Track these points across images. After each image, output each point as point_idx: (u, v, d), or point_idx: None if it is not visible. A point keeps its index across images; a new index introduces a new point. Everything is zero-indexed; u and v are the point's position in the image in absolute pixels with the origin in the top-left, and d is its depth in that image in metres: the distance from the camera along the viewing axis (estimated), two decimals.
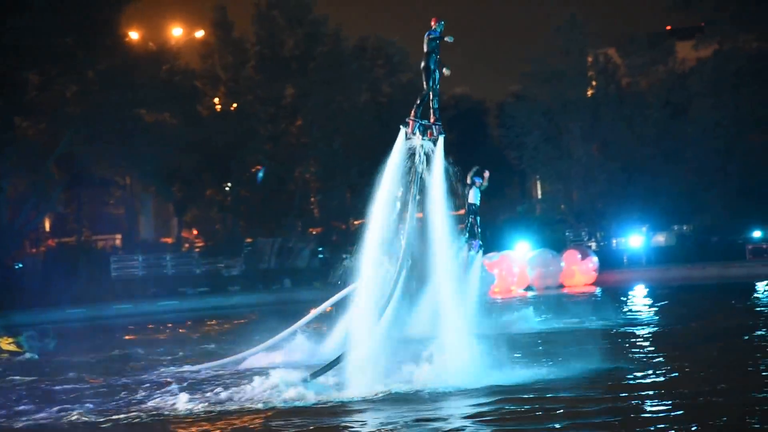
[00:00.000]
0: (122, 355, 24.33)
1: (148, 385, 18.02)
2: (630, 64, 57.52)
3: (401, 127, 16.75)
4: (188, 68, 55.51)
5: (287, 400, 15.08)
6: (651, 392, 14.53)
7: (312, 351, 20.95)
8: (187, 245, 61.56)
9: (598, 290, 42.77)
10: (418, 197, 16.55)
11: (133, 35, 54.37)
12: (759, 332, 21.80)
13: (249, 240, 57.18)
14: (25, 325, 32.91)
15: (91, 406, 15.74)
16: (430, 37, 16.70)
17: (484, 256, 26.95)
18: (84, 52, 48.39)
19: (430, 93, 16.71)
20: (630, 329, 24.16)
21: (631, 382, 15.52)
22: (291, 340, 21.44)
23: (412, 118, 16.72)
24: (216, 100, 57.60)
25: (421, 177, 16.50)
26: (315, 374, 15.94)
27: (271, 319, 32.44)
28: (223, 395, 15.79)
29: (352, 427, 13.24)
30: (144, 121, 52.88)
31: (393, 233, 16.64)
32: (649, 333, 23.34)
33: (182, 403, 15.35)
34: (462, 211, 24.09)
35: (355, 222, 58.20)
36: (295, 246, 56.11)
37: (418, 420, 13.33)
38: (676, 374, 16.17)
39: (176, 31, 57.41)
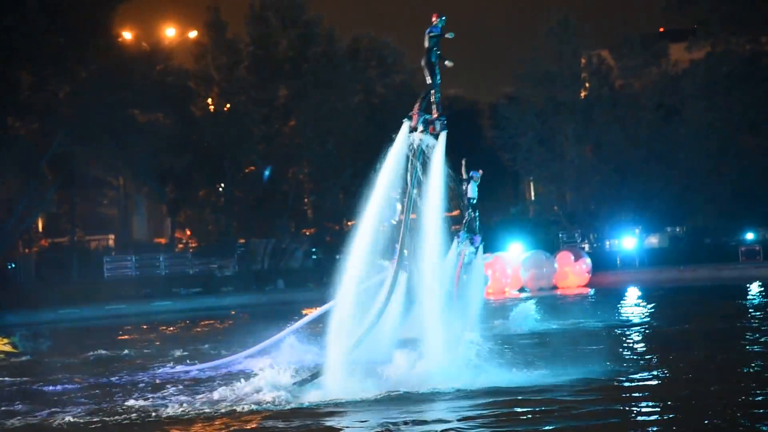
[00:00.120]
0: (114, 355, 24.27)
1: (141, 385, 18.00)
2: (623, 65, 57.60)
3: (404, 120, 16.54)
4: (181, 69, 55.47)
5: (281, 401, 15.02)
6: (645, 393, 14.53)
7: (306, 352, 20.88)
8: (180, 246, 61.50)
9: (591, 292, 42.82)
10: (415, 193, 16.40)
11: (127, 35, 54.34)
12: (751, 334, 21.83)
13: (242, 241, 57.16)
14: (17, 326, 32.90)
15: (82, 406, 15.70)
16: (431, 34, 16.59)
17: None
18: (77, 53, 48.32)
19: (434, 88, 16.53)
20: (623, 330, 24.17)
21: (626, 383, 15.50)
22: (284, 343, 21.38)
23: (416, 111, 16.55)
24: (209, 100, 57.52)
25: (418, 173, 16.34)
26: (300, 383, 15.80)
27: (263, 320, 32.50)
28: (217, 396, 15.74)
29: (351, 427, 13.21)
30: (137, 121, 52.84)
31: (391, 233, 16.54)
32: (642, 334, 23.36)
33: (175, 404, 15.32)
34: (456, 212, 24.02)
35: (349, 223, 58.19)
36: (288, 247, 56.10)
37: (414, 422, 13.29)
38: (670, 375, 16.17)
39: (169, 32, 57.41)
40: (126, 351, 25.07)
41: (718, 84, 53.98)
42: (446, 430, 12.79)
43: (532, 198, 67.63)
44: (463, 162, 24.05)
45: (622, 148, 55.05)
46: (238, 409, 14.76)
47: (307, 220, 60.58)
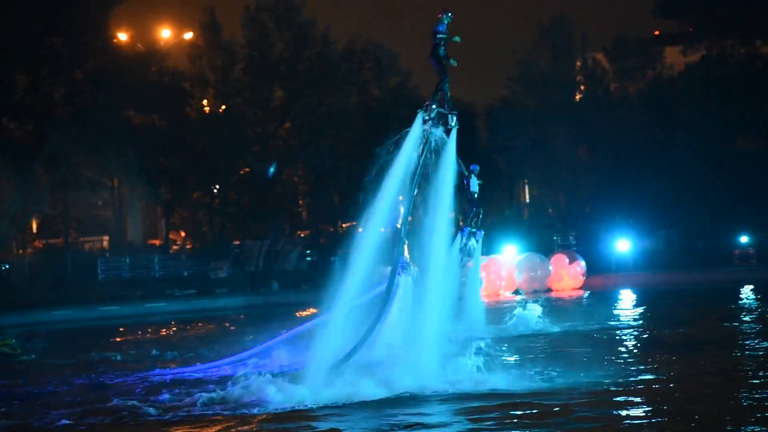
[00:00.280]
0: (107, 357, 24.20)
1: (133, 387, 17.95)
2: (618, 68, 57.68)
3: (419, 111, 16.31)
4: (177, 70, 55.44)
5: (276, 403, 14.94)
6: (640, 398, 14.47)
7: (300, 356, 20.84)
8: (175, 247, 61.46)
9: (586, 294, 42.83)
10: (415, 193, 16.12)
11: (122, 37, 54.30)
12: (746, 338, 21.84)
13: (237, 242, 57.12)
14: (11, 327, 32.81)
15: (74, 408, 15.66)
16: (438, 32, 16.41)
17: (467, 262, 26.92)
18: (72, 54, 48.27)
19: (445, 80, 16.31)
20: (618, 333, 24.17)
21: (620, 388, 15.44)
22: (281, 346, 21.35)
23: (430, 103, 16.32)
24: (205, 102, 57.53)
25: (425, 167, 15.98)
26: (336, 364, 15.60)
27: (258, 321, 32.47)
28: (213, 398, 15.69)
29: (350, 430, 13.19)
30: (132, 122, 52.78)
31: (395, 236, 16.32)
32: (636, 337, 23.34)
33: (167, 406, 15.30)
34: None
35: (344, 225, 58.20)
36: (283, 248, 56.06)
37: (411, 425, 13.26)
38: (665, 379, 16.15)
39: (165, 33, 57.37)
40: (119, 353, 25.01)
41: (713, 87, 54.08)
42: None
43: (527, 200, 67.64)
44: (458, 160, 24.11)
45: (617, 151, 55.11)
46: (230, 411, 14.70)
47: (302, 221, 60.60)
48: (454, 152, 16.32)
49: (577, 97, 58.91)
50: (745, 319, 27.00)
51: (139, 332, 33.37)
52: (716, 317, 27.03)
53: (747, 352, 19.45)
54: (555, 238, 57.12)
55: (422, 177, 16.12)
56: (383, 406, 14.64)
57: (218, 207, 58.26)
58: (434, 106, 16.35)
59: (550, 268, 46.70)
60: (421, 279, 16.41)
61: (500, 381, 15.86)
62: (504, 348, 21.47)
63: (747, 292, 37.30)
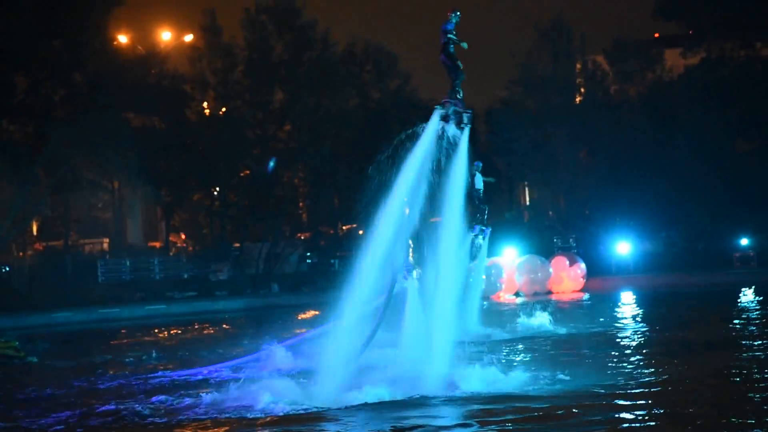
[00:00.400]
0: (107, 360, 24.18)
1: (133, 389, 17.92)
2: (618, 70, 57.66)
3: (436, 108, 16.12)
4: (177, 72, 55.43)
5: (278, 406, 14.85)
6: (644, 401, 14.43)
7: (300, 359, 20.82)
8: (175, 249, 61.43)
9: (586, 296, 42.81)
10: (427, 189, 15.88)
11: (122, 39, 54.28)
12: (747, 341, 21.82)
13: (237, 244, 57.10)
14: (11, 329, 32.78)
15: (73, 410, 15.63)
16: (447, 30, 16.30)
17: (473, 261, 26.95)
18: (71, 55, 48.23)
19: (459, 77, 16.25)
20: (618, 336, 24.16)
21: (624, 390, 15.42)
22: (282, 349, 21.30)
23: (447, 99, 16.19)
24: (205, 104, 57.53)
25: (439, 165, 15.81)
26: (360, 350, 15.50)
27: (258, 324, 32.45)
28: (216, 400, 15.65)
29: None
30: (132, 125, 52.75)
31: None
32: (637, 340, 23.33)
33: (171, 408, 15.26)
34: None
35: (344, 227, 58.21)
36: (283, 251, 56.04)
37: (416, 426, 13.23)
38: (668, 381, 16.12)
39: (165, 35, 57.37)
40: (118, 355, 24.99)
41: (713, 89, 54.04)
42: None
43: (527, 202, 67.59)
44: None
45: (617, 153, 55.09)
46: (231, 414, 14.65)
47: (302, 224, 60.55)
48: (466, 151, 16.19)
49: (577, 99, 58.86)
50: (746, 321, 26.98)
51: (139, 334, 33.34)
52: (718, 320, 27.02)
53: (749, 354, 19.44)
54: (555, 240, 57.06)
55: (435, 174, 15.94)
56: (388, 408, 14.58)
57: (218, 209, 58.24)
58: (452, 103, 16.25)
59: (551, 270, 46.70)
60: (430, 280, 16.31)
61: (507, 383, 15.80)
62: (510, 350, 21.46)
63: (748, 295, 37.28)
